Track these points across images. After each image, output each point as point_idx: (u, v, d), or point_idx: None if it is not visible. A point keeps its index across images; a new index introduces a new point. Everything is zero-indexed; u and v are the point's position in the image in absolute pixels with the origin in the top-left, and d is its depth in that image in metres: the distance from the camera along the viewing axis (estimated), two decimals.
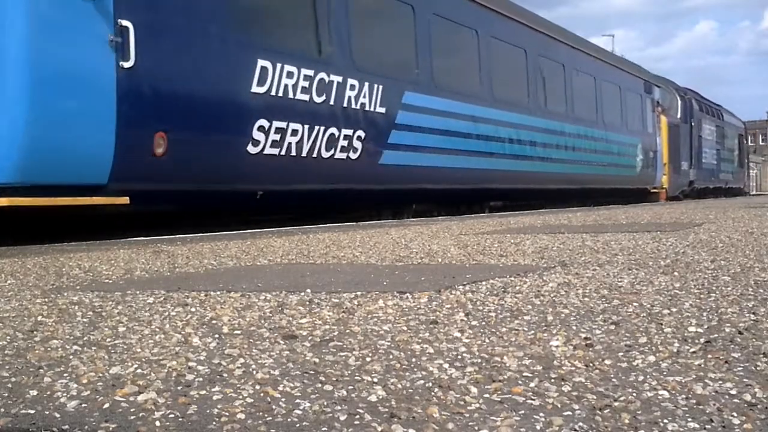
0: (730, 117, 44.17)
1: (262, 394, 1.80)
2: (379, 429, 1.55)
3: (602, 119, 21.94)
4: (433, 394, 1.78)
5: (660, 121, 28.22)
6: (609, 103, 22.59)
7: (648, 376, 1.90)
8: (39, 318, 2.95)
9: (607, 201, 22.85)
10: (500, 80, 15.99)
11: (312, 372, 2.00)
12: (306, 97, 10.59)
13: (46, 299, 3.47)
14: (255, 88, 9.73)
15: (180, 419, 1.64)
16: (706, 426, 1.53)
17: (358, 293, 3.40)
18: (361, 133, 11.68)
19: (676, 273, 3.97)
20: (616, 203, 22.85)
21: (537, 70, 17.85)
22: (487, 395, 1.77)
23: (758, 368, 1.96)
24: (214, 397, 1.79)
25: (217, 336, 2.51)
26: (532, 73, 17.59)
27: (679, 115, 31.56)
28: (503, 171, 16.12)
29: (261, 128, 9.82)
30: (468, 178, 14.84)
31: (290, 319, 2.81)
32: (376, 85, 11.99)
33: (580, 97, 20.34)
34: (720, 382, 1.84)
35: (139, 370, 2.05)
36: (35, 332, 2.65)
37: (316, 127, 10.76)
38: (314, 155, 10.79)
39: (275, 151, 10.08)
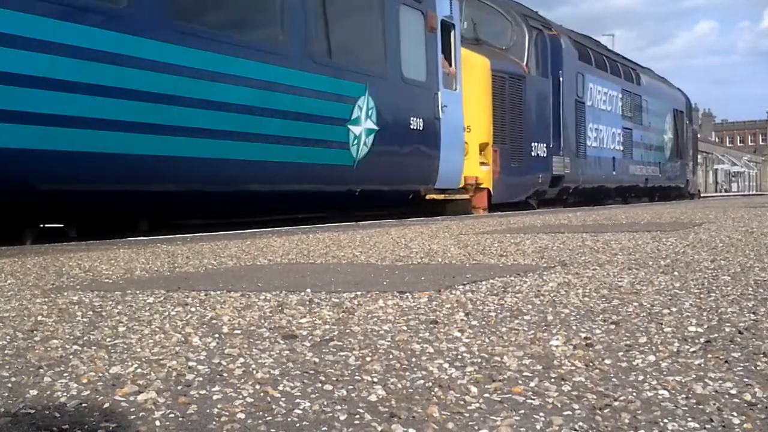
0: (658, 84, 30.99)
1: (262, 394, 1.80)
2: (379, 429, 1.55)
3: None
4: (433, 393, 1.78)
5: (470, 64, 16.10)
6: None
7: (648, 376, 1.90)
8: (39, 318, 2.95)
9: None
10: None
11: (312, 372, 2.00)
12: None
13: (46, 299, 3.47)
14: None
15: (180, 419, 1.64)
16: (706, 426, 1.53)
17: (358, 293, 3.40)
18: None
19: (676, 273, 3.97)
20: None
21: None
22: (487, 395, 1.77)
23: (758, 368, 1.96)
24: (214, 397, 1.79)
25: (217, 336, 2.51)
26: None
27: (527, 61, 18.76)
28: None
29: None
30: None
31: (290, 318, 2.81)
32: None
33: None
34: (720, 381, 1.84)
35: (139, 370, 2.05)
36: (35, 332, 2.65)
37: None
38: None
39: None
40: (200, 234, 8.96)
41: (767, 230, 7.28)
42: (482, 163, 16.41)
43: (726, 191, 78.31)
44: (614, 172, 24.92)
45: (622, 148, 25.70)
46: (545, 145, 19.45)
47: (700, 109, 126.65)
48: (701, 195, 42.19)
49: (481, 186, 16.27)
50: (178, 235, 8.63)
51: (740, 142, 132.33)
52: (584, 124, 22.30)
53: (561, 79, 20.32)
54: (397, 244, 6.47)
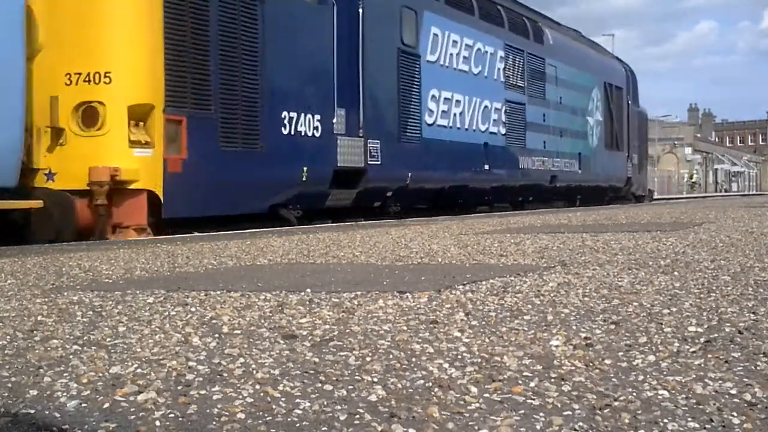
0: (579, 47, 23.01)
1: (262, 394, 1.80)
2: (379, 429, 1.55)
3: None
4: (433, 393, 1.78)
5: None
6: None
7: (648, 376, 1.90)
8: (39, 318, 2.95)
9: None
10: None
11: (312, 372, 2.00)
12: None
13: (46, 299, 3.47)
14: None
15: (180, 419, 1.64)
16: (706, 426, 1.53)
17: (358, 293, 3.40)
18: None
19: (676, 273, 3.97)
20: None
21: None
22: (487, 395, 1.77)
23: (758, 368, 1.96)
24: (214, 397, 1.79)
25: (217, 336, 2.51)
26: None
27: None
28: None
29: None
30: None
31: (290, 318, 2.81)
32: None
33: None
34: (720, 381, 1.84)
35: (139, 370, 2.05)
36: (35, 332, 2.65)
37: None
38: None
39: None
40: (200, 234, 8.95)
41: (767, 230, 7.28)
42: (137, 144, 8.90)
43: (726, 191, 78.31)
44: (486, 166, 16.63)
45: (503, 131, 17.40)
46: (321, 117, 11.65)
47: (700, 109, 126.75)
48: (653, 197, 32.60)
49: (136, 187, 8.88)
50: (178, 235, 8.63)
51: (740, 142, 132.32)
52: (419, 89, 14.18)
53: (361, 10, 12.48)
54: (397, 244, 6.47)
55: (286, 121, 11.06)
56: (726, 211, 12.73)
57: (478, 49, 16.42)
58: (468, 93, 15.92)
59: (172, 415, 1.66)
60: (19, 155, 8.33)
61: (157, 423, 1.61)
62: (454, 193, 15.87)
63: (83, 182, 8.56)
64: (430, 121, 14.67)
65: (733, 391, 1.75)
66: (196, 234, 8.95)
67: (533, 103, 18.93)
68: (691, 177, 77.87)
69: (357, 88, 12.50)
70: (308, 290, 3.51)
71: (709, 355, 2.10)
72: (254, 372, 2.01)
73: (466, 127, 15.97)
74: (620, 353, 2.15)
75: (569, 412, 1.63)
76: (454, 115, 15.52)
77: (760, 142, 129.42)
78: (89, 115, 8.73)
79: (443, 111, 15.10)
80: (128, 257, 5.63)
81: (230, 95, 10.03)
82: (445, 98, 15.15)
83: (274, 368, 2.05)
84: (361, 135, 12.57)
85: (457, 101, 15.59)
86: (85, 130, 8.72)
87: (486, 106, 16.75)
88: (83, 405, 1.75)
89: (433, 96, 14.74)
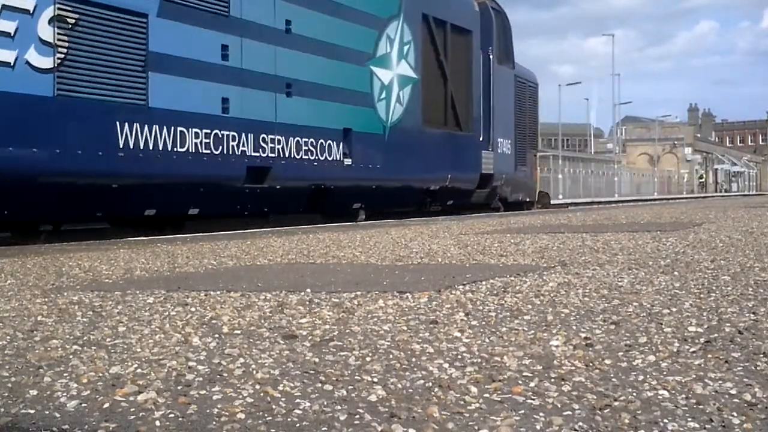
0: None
1: (262, 394, 1.80)
2: (379, 429, 1.55)
3: None
4: (433, 393, 1.78)
5: None
6: None
7: (648, 376, 1.90)
8: (39, 318, 2.95)
9: None
10: None
11: (312, 372, 2.00)
12: None
13: (46, 299, 3.47)
14: None
15: (180, 419, 1.64)
16: (706, 426, 1.53)
17: (358, 293, 3.40)
18: None
19: (676, 273, 3.97)
20: None
21: None
22: (487, 395, 1.77)
23: (758, 368, 1.96)
24: (214, 397, 1.79)
25: (217, 336, 2.51)
26: None
27: None
28: None
29: None
30: None
31: (290, 318, 2.81)
32: None
33: None
34: (720, 381, 1.84)
35: (139, 370, 2.05)
36: (35, 332, 2.65)
37: None
38: None
39: None
40: (200, 234, 8.95)
41: (767, 230, 7.28)
42: None
43: (726, 191, 78.37)
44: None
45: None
46: None
47: (700, 109, 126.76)
48: (551, 202, 23.32)
49: None
50: (178, 235, 8.62)
51: (740, 142, 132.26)
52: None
53: None
54: (397, 244, 6.47)
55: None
56: (726, 211, 12.73)
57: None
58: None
59: (172, 415, 1.66)
60: None
61: (157, 423, 1.61)
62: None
63: None
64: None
65: (733, 391, 1.75)
66: (197, 234, 8.95)
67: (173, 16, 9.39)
68: (700, 177, 78.49)
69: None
70: (308, 290, 3.51)
71: (709, 355, 2.10)
72: (254, 372, 2.01)
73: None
74: (620, 353, 2.15)
75: (569, 412, 1.63)
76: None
77: (760, 142, 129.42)
78: None
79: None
80: (128, 257, 5.63)
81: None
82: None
83: (274, 368, 2.05)
84: None
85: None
86: None
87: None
88: (83, 405, 1.75)
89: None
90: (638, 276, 3.86)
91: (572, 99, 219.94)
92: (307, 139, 11.49)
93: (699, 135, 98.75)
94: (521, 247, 5.80)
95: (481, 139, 16.55)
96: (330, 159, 11.98)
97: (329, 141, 11.97)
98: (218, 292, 3.52)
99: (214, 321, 2.79)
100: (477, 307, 2.96)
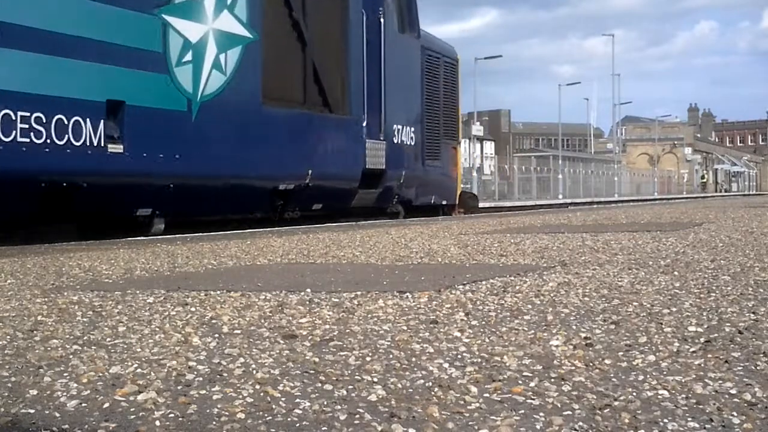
0: None
1: (262, 394, 1.80)
2: (379, 429, 1.55)
3: None
4: (433, 393, 1.78)
5: None
6: None
7: (648, 376, 1.90)
8: (39, 318, 2.95)
9: None
10: None
11: (312, 371, 2.00)
12: None
13: (46, 299, 3.46)
14: None
15: (180, 419, 1.64)
16: (706, 426, 1.53)
17: (358, 293, 3.40)
18: None
19: (676, 272, 3.97)
20: None
21: None
22: (486, 395, 1.77)
23: (758, 368, 1.96)
24: (214, 397, 1.79)
25: (217, 335, 2.51)
26: None
27: None
28: None
29: None
30: None
31: (290, 318, 2.81)
32: None
33: None
34: (720, 381, 1.84)
35: (139, 370, 2.05)
36: (35, 332, 2.65)
37: None
38: None
39: None
40: (200, 234, 8.95)
41: (767, 230, 7.28)
42: None
43: (726, 191, 78.41)
44: None
45: None
46: None
47: (700, 109, 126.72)
48: (478, 205, 18.48)
49: None
50: (178, 235, 8.62)
51: (740, 142, 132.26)
52: None
53: None
54: (397, 244, 6.47)
55: None
56: (726, 211, 12.73)
57: None
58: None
59: (172, 415, 1.66)
60: None
61: (157, 423, 1.61)
62: None
63: None
64: None
65: (733, 391, 1.75)
66: (197, 234, 8.95)
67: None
68: (702, 177, 78.66)
69: None
70: (308, 290, 3.51)
71: (709, 355, 2.10)
72: (254, 372, 2.01)
73: None
74: (620, 353, 2.15)
75: (569, 412, 1.63)
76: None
77: (760, 142, 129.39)
78: None
79: None
80: (128, 257, 5.63)
81: None
82: None
83: (274, 368, 2.05)
84: None
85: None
86: None
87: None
88: (83, 405, 1.75)
89: None
90: (638, 276, 3.86)
91: (572, 99, 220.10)
92: (27, 114, 7.44)
93: (699, 135, 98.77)
94: (521, 247, 5.80)
95: (365, 124, 12.35)
96: (79, 144, 7.94)
97: (77, 118, 7.90)
98: (218, 292, 3.52)
99: (214, 321, 2.79)
100: (477, 307, 2.96)
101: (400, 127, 13.49)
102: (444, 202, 15.61)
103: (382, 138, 12.83)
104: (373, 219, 12.62)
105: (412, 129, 13.94)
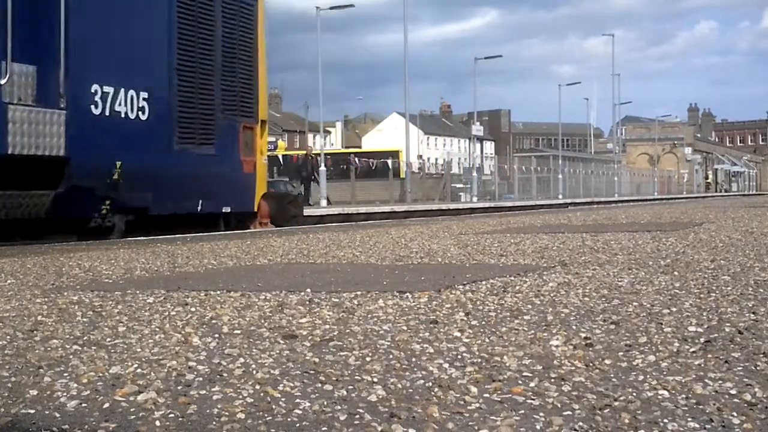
0: None
1: (262, 394, 1.80)
2: (379, 429, 1.55)
3: None
4: (433, 393, 1.78)
5: None
6: None
7: (648, 376, 1.90)
8: (39, 318, 2.95)
9: None
10: None
11: (312, 372, 2.00)
12: None
13: (46, 299, 3.46)
14: None
15: (180, 419, 1.64)
16: (706, 426, 1.53)
17: (358, 293, 3.40)
18: None
19: (676, 272, 3.96)
20: None
21: None
22: (486, 395, 1.77)
23: (758, 368, 1.96)
24: (214, 397, 1.79)
25: (217, 336, 2.51)
26: None
27: None
28: None
29: None
30: None
31: (290, 318, 2.81)
32: None
33: None
34: (720, 381, 1.84)
35: (139, 370, 2.05)
36: (35, 332, 2.65)
37: None
38: None
39: None
40: (200, 234, 8.95)
41: (767, 230, 7.28)
42: None
43: (726, 191, 78.45)
44: None
45: None
46: None
47: (700, 109, 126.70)
48: (302, 213, 13.09)
49: None
50: (178, 235, 8.63)
51: (740, 142, 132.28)
52: None
53: None
54: (397, 244, 6.47)
55: None
56: (726, 211, 12.73)
57: None
58: None
59: (172, 415, 1.66)
60: None
61: (157, 423, 1.61)
62: None
63: None
64: None
65: (733, 391, 1.75)
66: (196, 234, 8.96)
67: None
68: (706, 178, 78.98)
69: None
70: (308, 290, 3.51)
71: (709, 355, 2.10)
72: (254, 372, 2.01)
73: None
74: (620, 353, 2.15)
75: (569, 412, 1.63)
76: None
77: (760, 142, 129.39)
78: None
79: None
80: (128, 257, 5.63)
81: None
82: None
83: (274, 368, 2.04)
84: None
85: None
86: None
87: None
88: (83, 405, 1.75)
89: None
90: (638, 276, 3.86)
91: (572, 99, 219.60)
92: None
93: (699, 135, 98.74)
94: (521, 247, 5.80)
95: (5, 78, 7.45)
96: None
97: None
98: (218, 292, 3.52)
99: (214, 321, 2.79)
100: (477, 307, 2.96)
101: (111, 89, 8.66)
102: (227, 209, 10.67)
103: (61, 104, 8.05)
104: (66, 238, 8.36)
105: (146, 94, 9.15)
